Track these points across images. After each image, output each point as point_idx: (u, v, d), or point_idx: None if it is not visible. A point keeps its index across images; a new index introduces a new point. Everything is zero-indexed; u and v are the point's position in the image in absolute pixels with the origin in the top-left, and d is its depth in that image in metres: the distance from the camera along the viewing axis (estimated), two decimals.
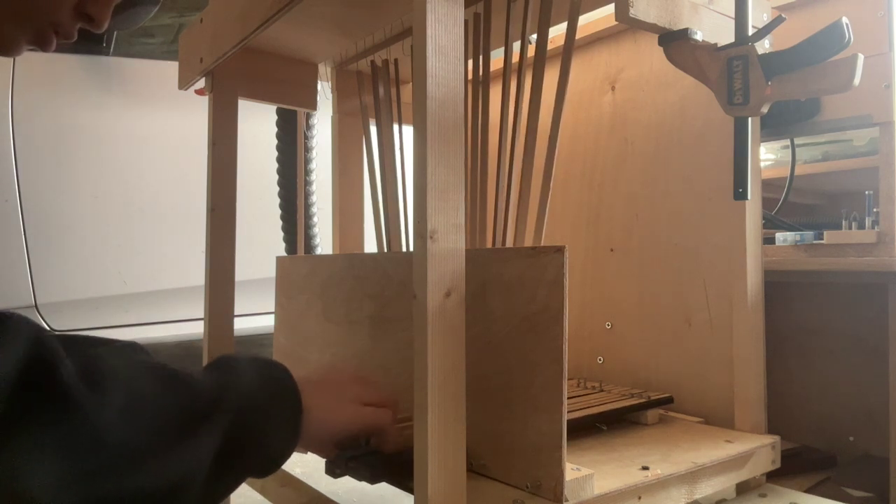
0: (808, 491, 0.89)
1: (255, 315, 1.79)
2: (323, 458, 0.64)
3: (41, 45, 0.58)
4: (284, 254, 1.55)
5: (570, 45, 0.75)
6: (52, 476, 0.39)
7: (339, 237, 1.15)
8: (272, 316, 1.09)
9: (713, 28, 0.73)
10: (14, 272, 1.62)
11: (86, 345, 0.65)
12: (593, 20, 1.03)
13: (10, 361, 0.38)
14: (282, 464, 0.54)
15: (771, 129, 1.06)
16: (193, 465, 0.45)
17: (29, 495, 0.38)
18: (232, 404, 0.49)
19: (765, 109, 0.68)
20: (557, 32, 0.96)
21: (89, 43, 1.76)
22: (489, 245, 0.77)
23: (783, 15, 0.70)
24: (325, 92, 1.16)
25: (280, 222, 1.58)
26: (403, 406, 0.69)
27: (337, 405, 0.60)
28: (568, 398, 0.63)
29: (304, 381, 0.58)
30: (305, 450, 0.62)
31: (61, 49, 1.72)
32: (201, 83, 1.05)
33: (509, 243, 0.76)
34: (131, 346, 0.70)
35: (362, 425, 0.62)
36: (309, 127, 1.53)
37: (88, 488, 0.40)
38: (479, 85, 0.81)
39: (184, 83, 1.08)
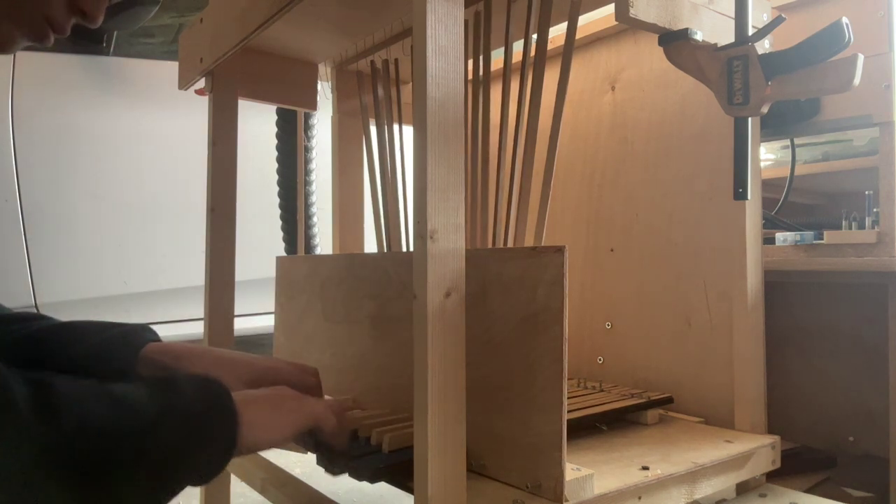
0: (808, 491, 0.89)
1: (255, 315, 1.79)
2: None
3: (37, 39, 0.60)
4: (284, 254, 1.55)
5: (570, 45, 0.75)
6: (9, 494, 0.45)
7: (339, 237, 1.15)
8: (272, 316, 1.09)
9: (713, 28, 0.73)
10: (14, 272, 1.62)
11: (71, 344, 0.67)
12: (593, 20, 1.03)
13: None
14: (220, 472, 0.57)
15: (771, 129, 1.06)
16: (134, 477, 0.50)
17: None
18: (170, 426, 0.53)
19: (765, 109, 0.67)
20: (557, 32, 0.96)
21: (89, 43, 1.76)
22: (489, 245, 0.77)
23: (783, 15, 0.70)
24: (325, 92, 1.16)
25: (280, 222, 1.58)
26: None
27: (273, 414, 0.62)
28: (568, 398, 0.63)
29: (241, 396, 0.60)
30: (248, 454, 0.64)
31: (61, 49, 1.72)
32: (201, 83, 1.05)
33: (509, 243, 0.76)
34: (142, 328, 0.72)
35: (302, 426, 0.64)
36: (309, 127, 1.53)
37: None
38: (479, 85, 0.81)
39: (184, 83, 1.08)
